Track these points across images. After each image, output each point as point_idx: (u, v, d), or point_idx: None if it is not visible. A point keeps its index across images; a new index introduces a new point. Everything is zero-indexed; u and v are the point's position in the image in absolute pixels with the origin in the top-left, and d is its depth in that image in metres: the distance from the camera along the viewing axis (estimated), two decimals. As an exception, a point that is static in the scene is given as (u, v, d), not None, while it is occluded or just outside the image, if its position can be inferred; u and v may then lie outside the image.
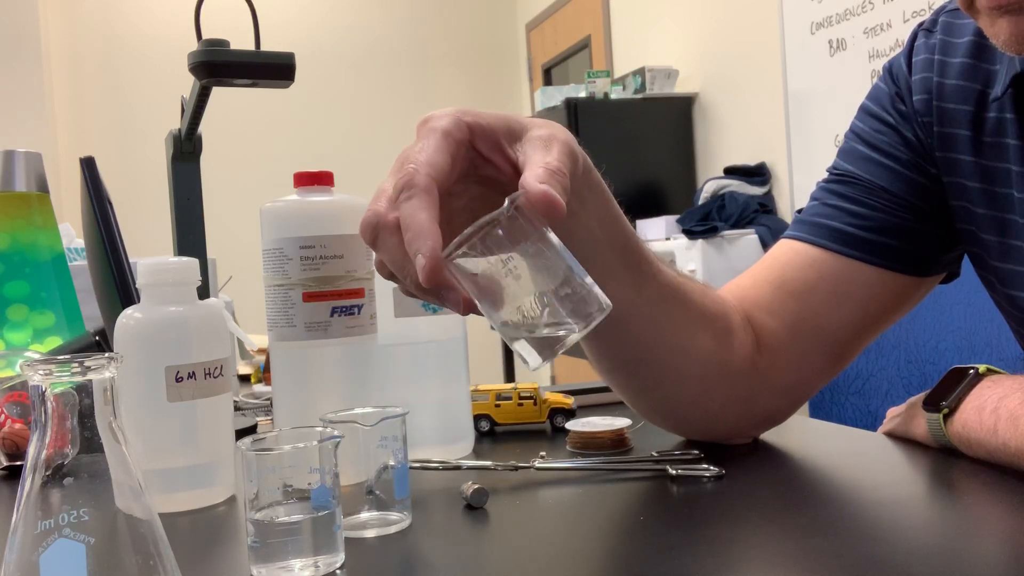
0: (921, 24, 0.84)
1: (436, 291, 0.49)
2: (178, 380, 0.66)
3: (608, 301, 0.50)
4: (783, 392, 0.79)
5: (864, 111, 0.85)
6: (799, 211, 0.84)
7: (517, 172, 0.54)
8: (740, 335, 0.77)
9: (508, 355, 4.11)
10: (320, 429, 0.55)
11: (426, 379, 0.78)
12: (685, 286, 0.73)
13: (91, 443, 0.39)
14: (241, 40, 1.00)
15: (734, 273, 0.84)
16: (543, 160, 0.53)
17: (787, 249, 0.82)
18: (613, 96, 3.84)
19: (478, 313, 0.51)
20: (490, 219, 0.48)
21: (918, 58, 0.81)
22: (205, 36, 0.99)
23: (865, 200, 0.79)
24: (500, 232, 0.48)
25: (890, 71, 0.84)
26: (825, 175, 0.85)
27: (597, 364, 0.75)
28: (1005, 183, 0.75)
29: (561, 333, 0.49)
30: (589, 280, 0.50)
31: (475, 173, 0.57)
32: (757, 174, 3.41)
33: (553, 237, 0.50)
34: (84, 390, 0.39)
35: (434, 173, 0.51)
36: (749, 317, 0.78)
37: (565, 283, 0.49)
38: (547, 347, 0.49)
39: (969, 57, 0.78)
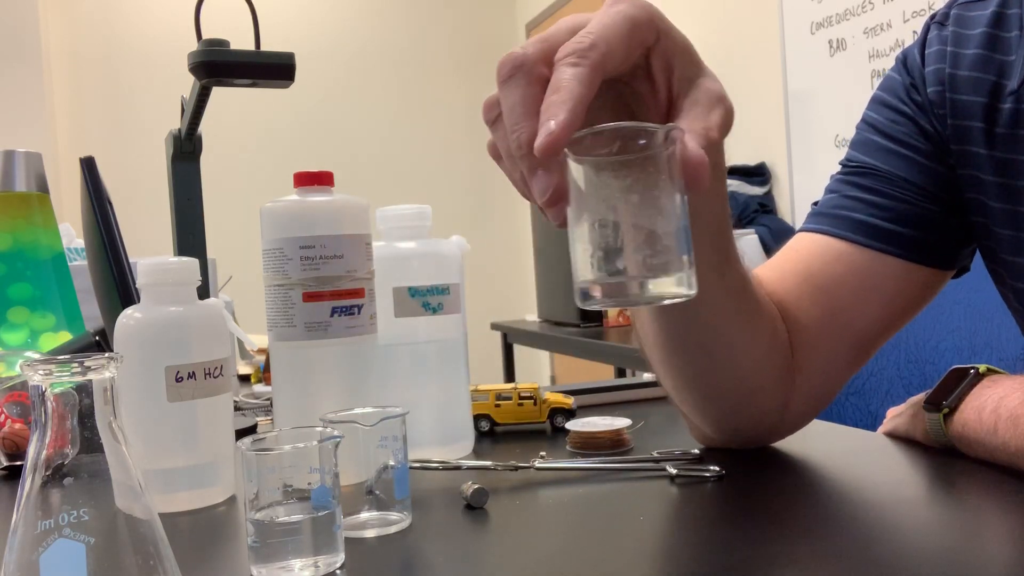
0: (933, 16, 0.82)
1: (538, 166, 0.45)
2: (178, 380, 0.66)
3: (695, 288, 0.45)
4: (812, 396, 0.77)
5: (878, 102, 0.83)
6: (815, 203, 0.82)
7: (669, 104, 0.51)
8: (784, 337, 0.74)
9: (508, 355, 4.10)
10: (320, 429, 0.55)
11: (426, 379, 0.78)
12: (754, 280, 0.70)
13: (91, 443, 0.39)
14: (241, 40, 1.00)
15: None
16: (709, 124, 0.48)
17: (809, 242, 0.79)
18: (613, 96, 3.84)
19: (555, 214, 0.45)
20: (640, 130, 0.45)
21: (931, 50, 0.80)
22: (205, 36, 0.99)
23: (887, 191, 0.77)
24: (643, 151, 0.44)
25: (904, 62, 0.82)
26: (838, 168, 0.82)
27: (656, 345, 0.72)
28: (1021, 176, 0.74)
29: (633, 287, 0.44)
30: (691, 257, 0.45)
31: (629, 80, 0.53)
32: (757, 174, 3.41)
33: (680, 191, 0.45)
34: (84, 390, 0.39)
35: (608, 55, 0.47)
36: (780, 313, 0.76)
37: (669, 236, 0.44)
38: (614, 293, 0.44)
39: (983, 48, 0.77)
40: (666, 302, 0.45)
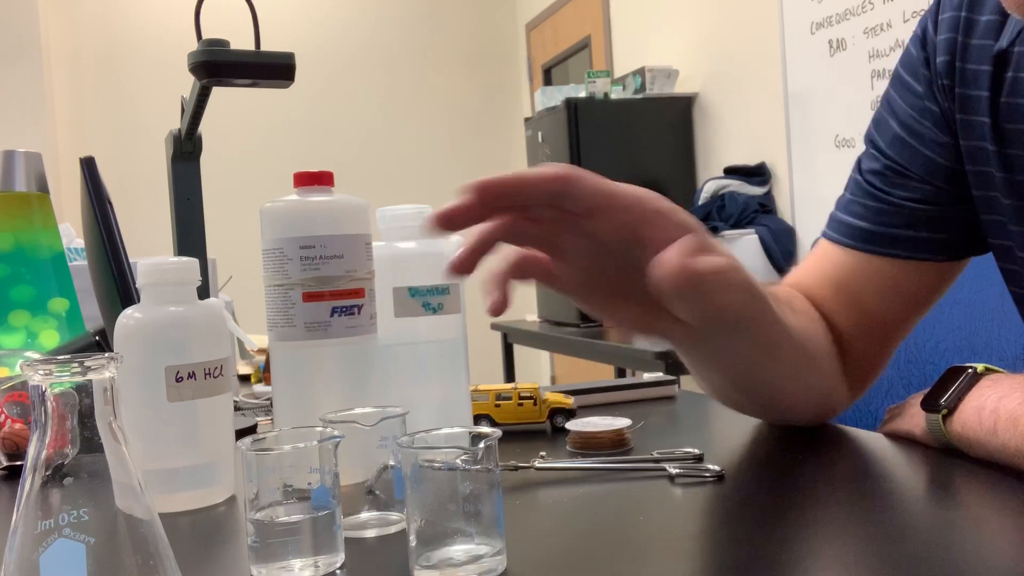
0: None
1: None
2: (178, 380, 0.66)
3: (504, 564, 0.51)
4: (851, 387, 0.84)
5: (896, 78, 0.85)
6: (841, 197, 0.87)
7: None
8: (827, 349, 0.81)
9: (508, 355, 4.10)
10: (320, 429, 0.55)
11: (426, 379, 0.77)
12: (791, 327, 0.74)
13: (91, 443, 0.39)
14: (241, 40, 1.00)
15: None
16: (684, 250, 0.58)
17: (834, 255, 0.85)
18: (613, 96, 3.84)
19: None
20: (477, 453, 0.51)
21: (944, 15, 0.80)
22: (205, 36, 0.99)
23: (897, 197, 0.82)
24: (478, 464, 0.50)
25: (922, 35, 0.83)
26: (864, 148, 0.87)
27: (696, 375, 0.80)
28: (1021, 145, 0.75)
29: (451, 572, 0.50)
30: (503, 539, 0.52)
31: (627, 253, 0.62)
32: (757, 174, 3.41)
33: (498, 490, 0.51)
34: (84, 390, 0.39)
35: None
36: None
37: (483, 531, 0.50)
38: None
39: (997, 14, 0.76)
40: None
